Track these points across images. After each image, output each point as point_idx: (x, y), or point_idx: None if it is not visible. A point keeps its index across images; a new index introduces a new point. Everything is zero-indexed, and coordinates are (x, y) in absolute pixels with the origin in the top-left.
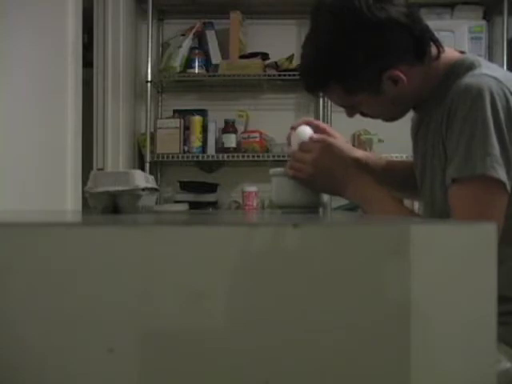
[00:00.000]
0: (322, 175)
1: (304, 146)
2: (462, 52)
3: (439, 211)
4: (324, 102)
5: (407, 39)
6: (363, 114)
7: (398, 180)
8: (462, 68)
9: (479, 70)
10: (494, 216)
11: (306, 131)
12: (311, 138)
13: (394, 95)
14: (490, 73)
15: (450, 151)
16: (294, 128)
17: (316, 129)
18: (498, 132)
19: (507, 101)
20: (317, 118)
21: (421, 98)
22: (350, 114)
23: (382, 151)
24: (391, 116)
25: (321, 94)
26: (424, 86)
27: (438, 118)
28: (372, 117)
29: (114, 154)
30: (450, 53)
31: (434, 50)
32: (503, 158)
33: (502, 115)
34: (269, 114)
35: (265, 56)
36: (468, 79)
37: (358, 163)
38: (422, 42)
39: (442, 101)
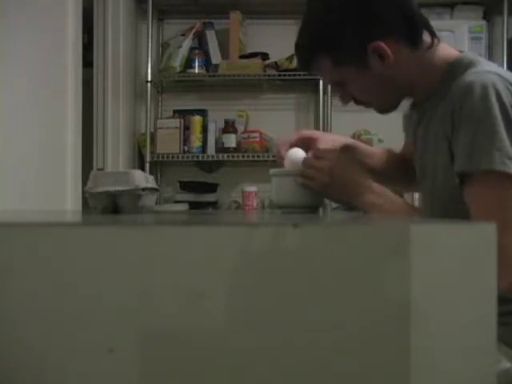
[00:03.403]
0: (338, 184)
1: (318, 153)
2: (461, 51)
3: (441, 210)
4: (324, 102)
5: (396, 14)
6: (356, 101)
7: (396, 176)
8: (460, 66)
9: (480, 66)
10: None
11: (299, 152)
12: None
13: (381, 73)
14: (491, 69)
15: (458, 149)
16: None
17: (309, 141)
18: (508, 126)
19: None
20: (317, 117)
21: (414, 88)
22: (344, 99)
23: None
24: (383, 102)
25: (315, 74)
26: (418, 78)
27: (439, 118)
28: (365, 103)
29: (114, 154)
30: (448, 51)
31: (428, 38)
32: None
33: (509, 109)
34: (269, 113)
35: (265, 56)
36: (470, 77)
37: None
38: (412, 22)
39: (442, 100)
